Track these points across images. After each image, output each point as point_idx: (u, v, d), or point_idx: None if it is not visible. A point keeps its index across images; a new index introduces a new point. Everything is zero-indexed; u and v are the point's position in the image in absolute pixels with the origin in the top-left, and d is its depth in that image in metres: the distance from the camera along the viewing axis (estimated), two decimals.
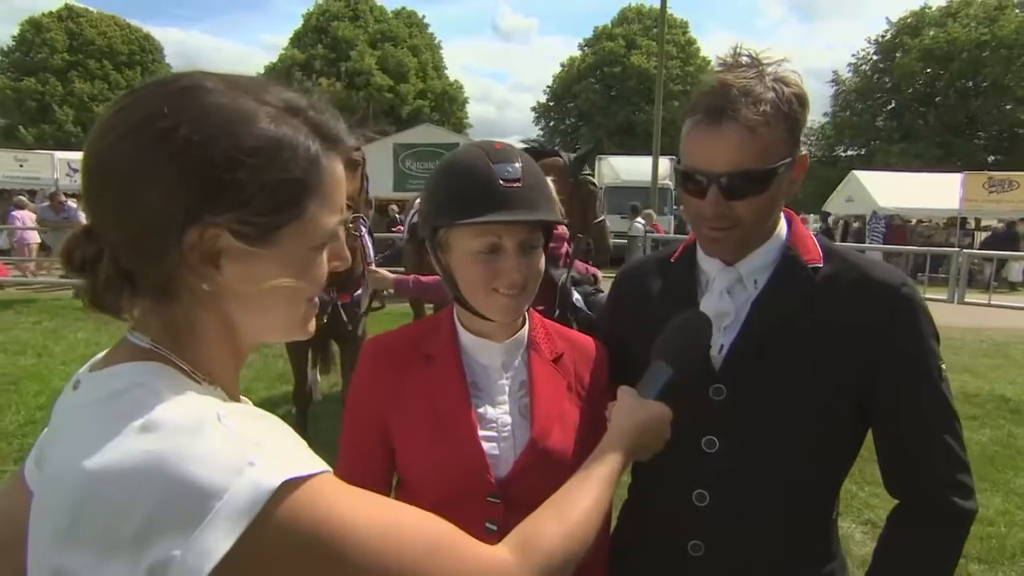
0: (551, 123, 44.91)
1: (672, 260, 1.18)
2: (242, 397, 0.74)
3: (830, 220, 20.50)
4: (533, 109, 45.74)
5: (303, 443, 0.64)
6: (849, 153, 36.79)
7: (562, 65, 43.51)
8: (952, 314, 8.78)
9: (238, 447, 0.53)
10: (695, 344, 1.02)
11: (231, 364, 0.68)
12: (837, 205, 21.28)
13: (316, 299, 0.71)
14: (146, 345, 0.62)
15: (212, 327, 0.64)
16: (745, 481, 1.05)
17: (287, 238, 0.63)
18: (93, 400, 0.59)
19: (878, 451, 1.08)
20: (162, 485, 0.50)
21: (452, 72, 45.21)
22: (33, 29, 36.21)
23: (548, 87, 44.37)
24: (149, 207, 0.57)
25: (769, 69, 0.99)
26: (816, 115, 38.39)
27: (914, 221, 19.49)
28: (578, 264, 3.25)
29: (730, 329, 1.07)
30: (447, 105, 41.51)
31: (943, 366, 1.03)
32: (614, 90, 38.99)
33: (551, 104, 44.19)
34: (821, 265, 1.06)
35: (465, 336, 1.12)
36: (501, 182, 0.99)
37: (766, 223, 1.05)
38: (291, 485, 0.54)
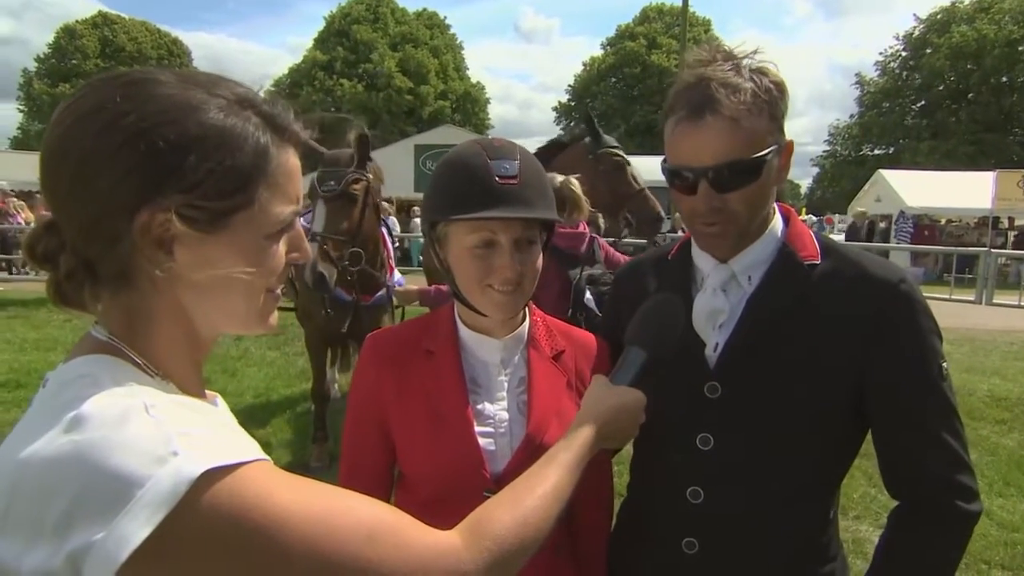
0: (572, 123, 44.81)
1: (669, 258, 1.18)
2: (210, 393, 0.75)
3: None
4: (555, 109, 45.76)
5: (241, 433, 0.65)
6: (877, 152, 36.09)
7: (584, 65, 43.43)
8: (981, 315, 8.55)
9: (163, 437, 0.54)
10: (667, 327, 1.01)
11: (189, 356, 0.69)
12: (864, 205, 20.88)
13: (278, 291, 0.72)
14: (103, 338, 0.64)
15: (168, 317, 0.65)
16: (740, 478, 1.04)
17: (238, 225, 0.64)
18: (46, 393, 0.61)
19: (877, 451, 1.06)
20: (85, 474, 0.51)
21: (474, 73, 45.44)
22: (67, 36, 37.25)
23: (570, 86, 44.30)
24: (100, 190, 0.59)
25: (744, 62, 0.99)
26: (843, 114, 37.77)
27: (943, 221, 19.03)
28: (616, 257, 3.20)
29: (725, 327, 1.06)
30: (468, 106, 41.67)
31: (945, 364, 1.01)
32: (635, 90, 38.78)
33: (572, 104, 44.07)
34: (818, 262, 1.05)
35: (465, 332, 1.13)
36: (497, 178, 1.00)
37: (760, 215, 1.04)
38: (216, 473, 0.54)
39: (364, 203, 3.29)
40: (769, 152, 0.98)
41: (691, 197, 1.01)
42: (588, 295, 2.71)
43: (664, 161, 1.06)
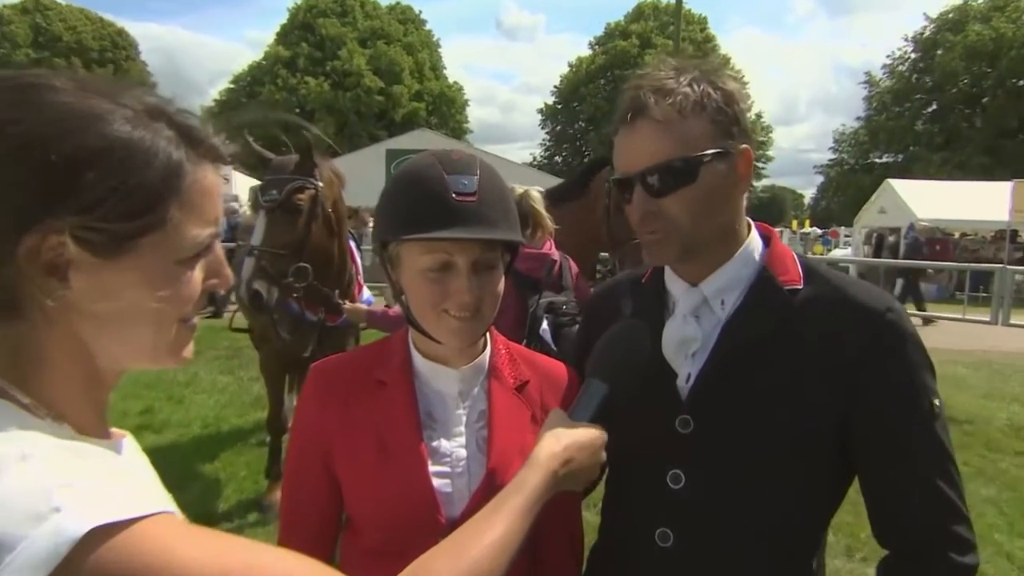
0: (558, 127, 45.34)
1: (643, 281, 1.19)
2: (117, 431, 0.73)
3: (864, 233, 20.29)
4: (540, 111, 46.21)
5: (145, 481, 0.63)
6: (885, 160, 36.82)
7: (570, 65, 43.98)
8: (998, 336, 8.67)
9: (42, 491, 0.51)
10: (632, 356, 1.02)
11: (87, 394, 0.67)
12: (870, 216, 21.26)
13: (193, 321, 0.71)
14: None
15: (62, 352, 0.63)
16: (712, 520, 1.04)
17: (146, 249, 0.62)
18: None
19: (864, 495, 1.06)
20: None
21: (452, 72, 45.87)
22: None
23: (555, 87, 44.79)
24: None
25: (696, 71, 1.02)
26: (849, 119, 38.58)
27: (957, 234, 19.40)
28: (586, 289, 3.11)
29: (698, 356, 1.06)
30: (445, 108, 41.95)
31: (938, 402, 1.01)
32: None
33: (558, 106, 44.52)
34: (800, 287, 1.05)
35: (420, 361, 1.12)
36: (454, 195, 0.99)
37: (706, 223, 1.03)
38: (105, 531, 0.52)
39: (311, 214, 3.21)
40: (706, 154, 0.99)
41: (631, 205, 1.04)
42: (544, 325, 2.64)
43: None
